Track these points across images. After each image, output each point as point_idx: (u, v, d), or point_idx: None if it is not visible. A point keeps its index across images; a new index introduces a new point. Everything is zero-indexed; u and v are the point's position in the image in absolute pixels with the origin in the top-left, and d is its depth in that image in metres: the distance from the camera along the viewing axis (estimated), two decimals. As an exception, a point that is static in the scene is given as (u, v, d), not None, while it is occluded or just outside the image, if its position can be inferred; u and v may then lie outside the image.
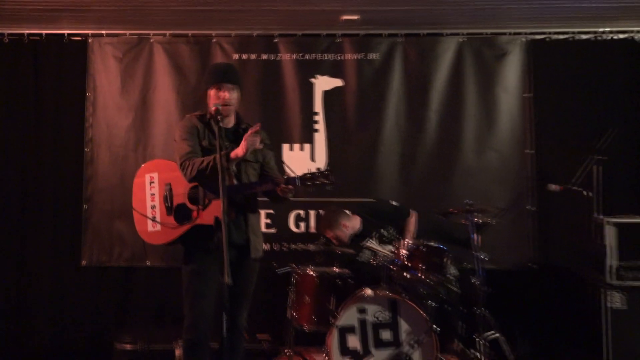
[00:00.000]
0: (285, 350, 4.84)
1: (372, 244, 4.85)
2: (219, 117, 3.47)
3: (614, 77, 5.82)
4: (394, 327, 4.47)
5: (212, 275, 3.62)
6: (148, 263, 5.66)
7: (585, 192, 5.15)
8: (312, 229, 5.71)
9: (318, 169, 3.58)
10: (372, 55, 5.85)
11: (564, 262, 5.59)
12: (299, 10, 5.36)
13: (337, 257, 4.90)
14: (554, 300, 5.54)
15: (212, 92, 3.74)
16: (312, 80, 5.84)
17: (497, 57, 5.84)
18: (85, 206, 5.74)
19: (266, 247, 5.55)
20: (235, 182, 3.70)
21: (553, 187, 5.24)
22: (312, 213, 5.74)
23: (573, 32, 5.82)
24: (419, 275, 4.59)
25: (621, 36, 5.82)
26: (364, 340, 4.47)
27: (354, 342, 4.47)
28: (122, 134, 5.79)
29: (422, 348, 4.41)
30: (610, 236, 4.86)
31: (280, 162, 3.99)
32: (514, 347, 4.82)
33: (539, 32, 5.84)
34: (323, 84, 5.84)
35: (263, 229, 5.48)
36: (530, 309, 5.54)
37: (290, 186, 3.59)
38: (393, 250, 4.79)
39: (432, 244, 4.70)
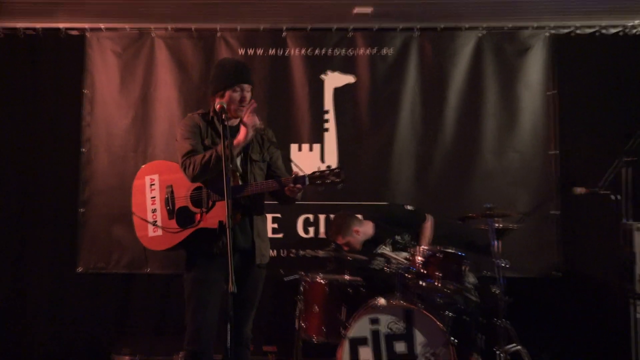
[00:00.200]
0: (293, 363, 4.83)
1: (386, 250, 4.84)
2: (223, 116, 3.45)
3: (644, 73, 5.80)
4: (408, 338, 4.45)
5: (216, 283, 3.63)
6: (148, 270, 5.66)
7: (613, 196, 5.09)
8: (322, 234, 5.71)
9: (328, 167, 3.56)
10: (386, 51, 5.85)
11: (590, 270, 5.58)
12: (308, 2, 5.37)
13: (349, 264, 4.88)
14: (579, 310, 5.52)
15: (228, 94, 3.69)
16: (322, 76, 5.85)
17: (518, 53, 5.83)
18: (81, 210, 5.75)
19: (273, 253, 5.58)
20: (240, 182, 3.70)
21: (578, 190, 5.18)
22: (321, 217, 5.73)
23: (599, 26, 5.80)
24: (436, 283, 4.56)
25: (651, 30, 5.80)
26: (376, 353, 4.45)
27: (366, 354, 4.45)
28: (121, 134, 5.81)
29: (439, 361, 4.39)
30: (640, 243, 4.82)
31: (288, 162, 3.97)
32: (536, 361, 4.79)
33: (563, 25, 5.82)
34: (334, 80, 5.84)
35: (270, 234, 5.49)
36: (554, 319, 5.52)
37: (298, 185, 3.57)
38: (408, 257, 4.77)
39: (449, 250, 4.67)
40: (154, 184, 3.86)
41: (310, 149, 5.78)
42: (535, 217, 5.64)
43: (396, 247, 5.06)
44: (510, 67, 5.82)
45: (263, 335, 5.28)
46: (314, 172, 3.59)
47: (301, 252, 5.52)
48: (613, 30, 5.80)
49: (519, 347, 4.65)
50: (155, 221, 3.79)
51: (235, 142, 3.57)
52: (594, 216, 5.54)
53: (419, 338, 4.44)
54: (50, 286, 5.76)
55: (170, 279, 5.63)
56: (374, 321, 4.47)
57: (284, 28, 5.85)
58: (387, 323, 4.47)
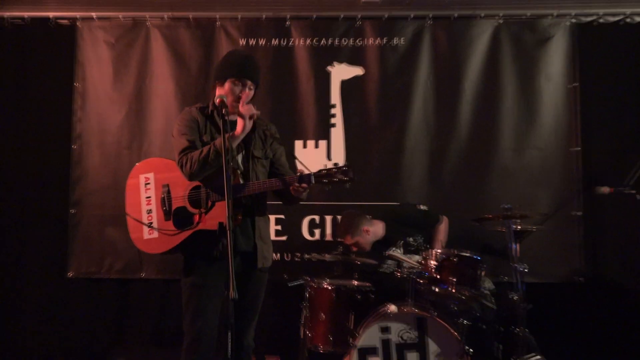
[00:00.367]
0: (298, 374, 4.83)
1: (397, 253, 4.82)
2: (224, 111, 3.44)
3: (673, 64, 5.77)
4: (421, 348, 4.43)
5: (215, 289, 3.63)
6: (143, 275, 5.66)
7: (638, 196, 5.09)
8: (328, 237, 5.71)
9: (336, 164, 3.56)
10: (397, 41, 5.84)
11: (614, 275, 5.57)
12: (314, -11, 5.37)
13: (357, 269, 4.87)
14: (603, 318, 5.50)
15: (227, 85, 3.72)
16: (329, 68, 5.84)
17: (538, 43, 5.82)
18: (72, 211, 5.75)
19: (276, 256, 5.56)
20: (241, 181, 3.69)
21: (602, 189, 5.17)
22: (328, 219, 5.72)
23: (624, 14, 5.78)
24: (450, 289, 4.54)
25: (681, 18, 5.77)
26: (387, 363, 4.45)
27: (375, 365, 4.45)
28: (114, 130, 5.81)
29: (453, 372, 4.37)
30: (669, 246, 4.82)
31: (292, 159, 3.97)
32: (557, 372, 4.79)
33: (586, 13, 5.80)
34: (341, 72, 5.83)
35: (273, 236, 5.46)
36: (576, 328, 5.50)
37: (304, 184, 3.56)
38: (420, 260, 4.76)
39: (465, 254, 4.65)
40: (149, 183, 3.85)
41: (316, 146, 5.78)
42: (556, 218, 5.61)
43: (408, 250, 5.05)
44: (529, 58, 5.80)
45: (266, 345, 5.29)
46: (320, 171, 3.58)
47: (306, 256, 5.45)
48: (639, 19, 5.77)
49: (538, 357, 4.63)
50: (151, 223, 3.79)
51: (233, 133, 3.58)
52: (618, 217, 5.53)
53: (433, 347, 4.42)
54: (39, 292, 5.75)
55: (167, 284, 5.62)
56: (385, 329, 4.45)
57: (288, 17, 5.84)
58: (398, 331, 4.45)
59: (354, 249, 5.18)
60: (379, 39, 5.85)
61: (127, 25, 5.88)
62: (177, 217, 3.73)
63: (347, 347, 4.47)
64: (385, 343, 4.44)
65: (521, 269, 4.67)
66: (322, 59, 5.83)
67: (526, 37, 5.82)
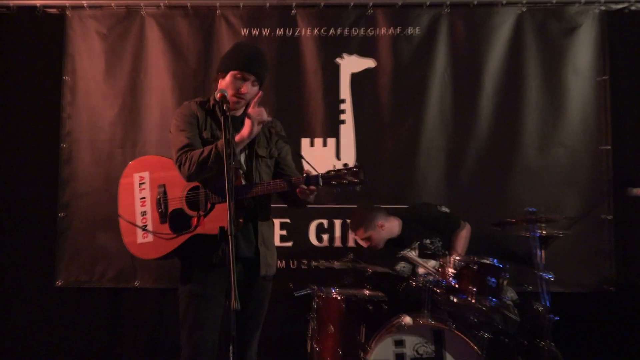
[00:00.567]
0: (304, 391, 4.83)
1: (411, 254, 4.80)
2: (225, 106, 3.42)
3: None
4: (438, 363, 4.43)
5: (215, 298, 3.61)
6: (137, 284, 5.66)
7: (675, 198, 5.09)
8: (337, 242, 5.70)
9: (345, 165, 3.55)
10: (411, 30, 5.84)
11: (648, 284, 5.53)
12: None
13: (369, 277, 4.85)
14: (636, 330, 5.47)
15: (228, 77, 3.71)
16: (338, 60, 5.83)
17: (565, 32, 5.80)
18: (61, 214, 5.75)
19: (281, 264, 5.57)
20: (243, 182, 3.67)
21: (635, 191, 5.18)
22: (337, 223, 5.72)
23: (659, 0, 5.77)
24: (470, 299, 4.52)
25: None
26: (401, 380, 4.44)
27: (389, 381, 4.44)
28: (106, 127, 5.81)
29: (474, 389, 4.36)
30: None
31: (298, 159, 3.95)
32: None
33: (617, 0, 5.78)
34: (351, 65, 5.83)
35: (277, 242, 5.48)
36: (606, 341, 5.48)
37: (311, 187, 3.54)
38: (436, 267, 4.75)
39: (485, 261, 4.62)
40: (143, 183, 3.84)
41: (324, 144, 5.77)
42: (585, 222, 5.59)
43: (424, 253, 5.04)
44: (555, 48, 5.79)
45: (270, 359, 5.25)
46: (328, 172, 3.55)
47: (314, 263, 5.49)
48: (675, 6, 5.77)
49: (565, 373, 4.62)
50: (145, 225, 3.78)
51: (237, 137, 3.55)
52: (652, 221, 5.50)
53: (451, 362, 4.41)
54: (25, 303, 5.75)
55: (162, 293, 5.62)
56: (399, 343, 4.43)
57: (294, 5, 5.85)
58: (413, 345, 4.43)
59: (366, 244, 5.20)
60: (392, 28, 5.84)
61: (120, 14, 5.89)
62: (174, 219, 3.72)
63: (357, 363, 4.46)
64: (400, 358, 4.42)
65: (547, 278, 4.66)
66: (331, 50, 5.83)
67: (551, 27, 5.80)
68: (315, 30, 5.85)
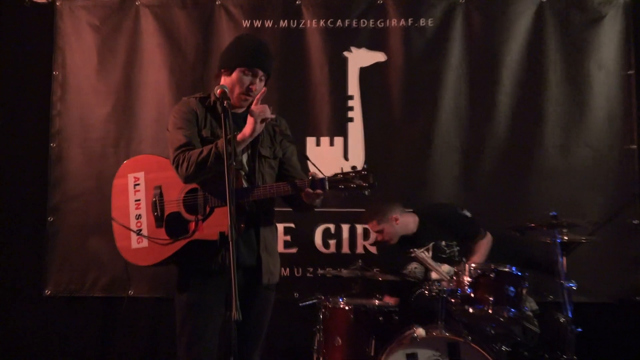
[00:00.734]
0: (310, 408, 4.83)
1: (424, 255, 4.79)
2: (225, 103, 3.40)
3: None
4: (453, 378, 4.43)
5: (215, 308, 3.58)
6: (131, 292, 5.65)
7: None
8: (345, 249, 5.69)
9: (353, 167, 3.54)
10: (424, 22, 5.84)
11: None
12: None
13: (379, 286, 4.84)
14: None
15: (235, 75, 3.69)
16: (346, 54, 5.83)
17: (589, 23, 5.79)
18: (50, 218, 5.76)
19: (285, 271, 5.56)
20: (245, 184, 3.66)
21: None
22: (345, 228, 5.71)
23: (691, -13, 5.76)
24: (487, 309, 4.51)
25: None
26: (414, 396, 4.44)
27: (401, 397, 4.44)
28: (98, 125, 5.82)
29: (491, 406, 4.36)
30: None
31: (303, 159, 3.94)
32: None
33: (646, -13, 5.78)
34: (359, 59, 5.82)
35: (281, 248, 5.49)
36: (633, 354, 5.44)
37: (318, 190, 3.52)
38: (450, 273, 4.75)
39: (503, 269, 4.61)
40: (138, 184, 3.83)
41: (331, 144, 5.78)
42: (611, 227, 5.56)
43: (438, 256, 5.04)
44: (578, 41, 5.78)
45: (273, 373, 5.27)
46: (335, 175, 3.54)
47: (320, 271, 5.44)
48: None
49: (589, 388, 4.62)
50: (140, 230, 3.77)
51: (239, 136, 3.53)
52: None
53: (467, 377, 4.40)
54: (12, 313, 5.76)
55: (158, 303, 5.64)
56: (411, 357, 4.43)
57: (298, -6, 5.87)
58: (426, 359, 4.42)
59: (379, 238, 5.22)
60: (403, 20, 5.84)
61: (113, 5, 5.90)
62: (171, 224, 3.70)
63: (367, 377, 4.47)
64: (412, 372, 4.43)
65: (569, 287, 4.64)
66: (338, 43, 5.83)
67: (574, 18, 5.79)
68: (322, 22, 5.85)
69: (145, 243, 3.74)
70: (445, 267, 4.85)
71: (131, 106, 5.83)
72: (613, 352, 5.36)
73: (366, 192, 3.54)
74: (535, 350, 4.78)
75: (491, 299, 4.51)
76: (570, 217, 4.78)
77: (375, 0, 5.83)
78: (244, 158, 3.71)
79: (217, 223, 3.55)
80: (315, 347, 4.73)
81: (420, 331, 4.41)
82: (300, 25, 5.85)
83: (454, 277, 4.67)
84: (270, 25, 5.85)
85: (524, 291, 4.60)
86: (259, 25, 5.85)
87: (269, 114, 3.53)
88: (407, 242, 5.14)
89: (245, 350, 3.65)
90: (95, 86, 5.85)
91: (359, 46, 5.82)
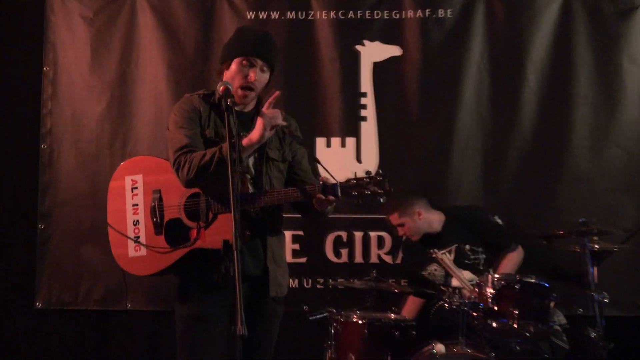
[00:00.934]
0: None
1: (446, 257, 4.78)
2: (229, 101, 3.39)
3: None
4: (475, 398, 4.42)
5: (218, 322, 3.59)
6: (128, 305, 5.61)
7: None
8: (358, 258, 5.69)
9: (368, 172, 3.54)
10: (442, 13, 5.84)
11: None
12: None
13: (395, 297, 4.84)
14: None
15: (233, 66, 3.70)
16: (358, 48, 5.84)
17: (621, 15, 5.80)
18: (40, 225, 5.77)
19: (293, 283, 5.54)
20: (251, 188, 3.66)
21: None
22: (357, 236, 5.71)
23: None
24: (511, 324, 4.49)
25: None
26: (433, 417, 4.43)
27: (419, 418, 4.43)
28: (92, 124, 5.83)
29: None
30: None
31: (313, 162, 3.94)
32: None
33: (683, -26, 5.77)
34: (373, 53, 5.83)
35: (289, 258, 5.46)
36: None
37: (330, 197, 3.51)
38: (472, 281, 4.74)
39: (529, 280, 4.60)
40: (136, 187, 3.82)
41: (342, 145, 5.78)
42: (647, 235, 5.56)
43: (460, 260, 5.02)
44: (609, 33, 5.78)
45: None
46: (348, 180, 3.53)
47: (331, 282, 5.49)
48: None
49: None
50: (138, 237, 3.76)
51: (245, 141, 3.49)
52: None
53: (490, 397, 4.40)
54: (0, 327, 5.75)
55: (157, 317, 5.64)
56: (430, 374, 4.44)
57: (307, -17, 5.87)
58: (446, 377, 4.43)
59: (400, 233, 5.24)
60: (420, 10, 5.85)
61: (108, -4, 5.91)
62: (171, 231, 3.69)
63: (382, 397, 4.46)
64: (431, 391, 4.43)
65: (600, 299, 4.61)
66: (350, 36, 5.83)
67: (605, 8, 5.79)
68: (332, 13, 5.85)
69: (143, 251, 3.73)
70: (467, 275, 4.84)
71: (127, 104, 5.83)
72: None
73: (381, 200, 3.52)
74: (564, 368, 4.77)
75: (516, 312, 4.49)
76: (601, 223, 4.74)
77: (391, -10, 5.84)
78: (250, 161, 3.69)
79: (221, 230, 3.54)
80: (326, 364, 4.74)
81: (439, 347, 4.41)
82: (309, 17, 5.86)
83: (476, 289, 4.65)
84: (276, 17, 5.86)
85: (552, 304, 4.57)
86: (265, 17, 5.85)
87: (280, 120, 3.51)
88: (431, 241, 5.14)
89: (252, 367, 3.65)
90: (89, 83, 5.85)
91: (372, 39, 5.83)
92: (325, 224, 5.61)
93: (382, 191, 3.48)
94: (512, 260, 5.15)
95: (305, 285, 5.67)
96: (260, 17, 5.84)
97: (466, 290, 4.65)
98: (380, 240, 5.68)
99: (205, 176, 3.49)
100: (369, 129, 5.77)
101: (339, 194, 3.48)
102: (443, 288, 4.80)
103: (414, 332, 4.67)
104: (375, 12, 5.83)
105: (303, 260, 5.69)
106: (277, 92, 3.57)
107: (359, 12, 5.83)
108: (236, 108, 3.45)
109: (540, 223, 5.35)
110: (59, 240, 5.74)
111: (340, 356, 4.65)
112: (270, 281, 3.69)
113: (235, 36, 3.84)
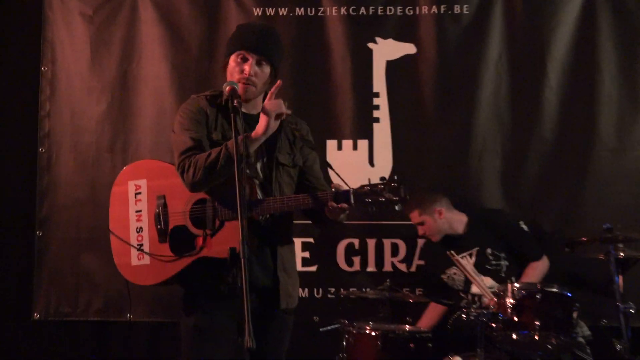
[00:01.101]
0: None
1: (465, 261, 4.78)
2: (236, 102, 3.39)
3: None
4: (495, 414, 4.42)
5: (225, 334, 3.59)
6: (130, 316, 5.59)
7: None
8: (371, 266, 5.68)
9: (382, 178, 3.52)
10: (459, 8, 5.84)
11: None
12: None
13: (410, 308, 4.83)
14: None
15: (230, 62, 3.71)
16: (371, 45, 5.84)
17: (648, 10, 5.76)
18: (38, 232, 5.78)
19: (303, 293, 5.56)
20: (260, 194, 3.65)
21: None
22: (370, 243, 5.71)
23: None
24: (533, 336, 4.49)
25: None
26: None
27: None
28: (92, 127, 5.84)
29: None
30: None
31: (325, 166, 3.94)
32: None
33: None
34: (386, 51, 5.83)
35: (299, 266, 5.35)
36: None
37: (343, 204, 3.51)
38: (492, 288, 4.73)
39: (551, 289, 4.61)
40: (140, 193, 3.82)
41: (354, 147, 5.79)
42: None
43: (481, 265, 5.03)
44: (635, 29, 5.76)
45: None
46: (362, 187, 3.53)
47: (343, 292, 5.47)
48: None
49: None
50: (141, 245, 3.76)
51: (252, 134, 3.49)
52: None
53: (511, 413, 4.39)
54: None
55: (159, 328, 5.65)
56: (447, 389, 4.44)
57: (317, -22, 5.88)
58: (465, 391, 4.43)
59: (420, 232, 5.27)
60: (435, 6, 5.84)
61: (108, -8, 5.93)
62: (175, 238, 3.69)
63: (397, 413, 4.47)
64: (448, 407, 4.44)
65: (626, 310, 4.60)
66: (362, 33, 5.84)
67: (629, 3, 5.78)
68: (343, 9, 5.85)
69: (146, 260, 3.73)
70: (488, 281, 4.83)
71: (129, 105, 5.85)
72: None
73: (397, 207, 3.53)
74: (589, 383, 4.77)
75: (537, 323, 4.49)
76: (626, 230, 4.74)
77: (404, -15, 5.84)
78: (259, 165, 3.68)
79: (228, 238, 3.53)
80: (338, 378, 4.74)
81: (457, 360, 4.43)
82: (319, 13, 5.86)
83: (495, 299, 4.65)
84: (284, 14, 5.86)
85: (575, 315, 4.58)
86: (272, 14, 5.86)
87: (284, 108, 3.50)
88: (452, 244, 5.14)
89: (261, 382, 3.66)
90: (89, 83, 5.87)
91: (385, 37, 5.83)
92: (337, 230, 5.60)
93: (397, 198, 3.48)
94: (536, 270, 5.15)
95: (315, 295, 5.66)
96: (268, 13, 5.84)
97: (486, 297, 4.64)
98: (395, 248, 5.68)
99: (213, 176, 3.48)
100: (382, 131, 5.77)
101: (352, 202, 3.47)
102: (462, 295, 4.80)
103: (430, 345, 4.68)
104: (389, 8, 5.83)
105: (313, 268, 5.70)
106: (279, 82, 3.55)
107: (371, 8, 5.82)
108: (243, 110, 3.45)
109: (562, 229, 5.36)
110: (57, 248, 5.75)
111: (353, 370, 4.66)
112: (281, 292, 3.68)
113: (234, 32, 3.85)
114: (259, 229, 3.61)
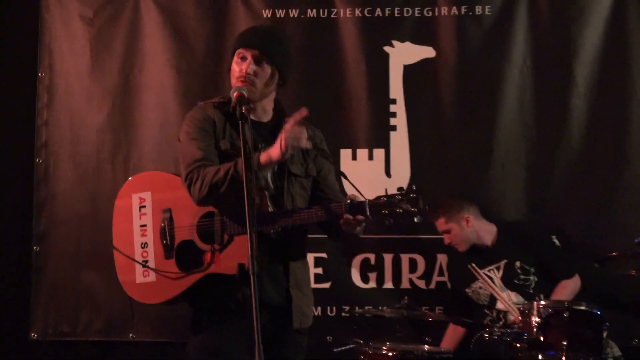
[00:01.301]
0: None
1: (493, 275, 4.79)
2: (244, 109, 3.40)
3: None
4: None
5: (235, 355, 3.57)
6: (132, 336, 5.66)
7: None
8: (388, 283, 5.69)
9: (400, 189, 3.52)
10: (480, 9, 5.85)
11: None
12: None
13: (429, 327, 4.84)
14: None
15: (232, 64, 3.72)
16: (387, 49, 5.86)
17: (681, 9, 5.77)
18: (36, 248, 5.80)
19: (316, 311, 5.51)
20: (270, 207, 3.66)
21: None
22: (387, 258, 5.72)
23: None
24: (560, 356, 4.47)
25: None
26: None
27: None
28: (92, 136, 5.87)
29: None
30: None
31: (340, 176, 3.94)
32: None
33: None
34: (403, 55, 5.85)
35: (312, 283, 5.41)
36: None
37: (359, 217, 3.50)
38: (519, 304, 4.72)
39: (580, 307, 4.61)
40: (144, 206, 3.83)
41: (370, 157, 5.80)
42: None
43: (509, 279, 5.02)
44: (669, 30, 5.76)
45: None
46: (378, 198, 3.53)
47: (358, 310, 5.47)
48: None
49: None
50: (147, 261, 3.77)
51: (263, 158, 3.47)
52: None
53: None
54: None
55: (164, 348, 5.64)
56: (469, 413, 4.44)
57: (330, -22, 5.89)
58: (487, 415, 4.43)
59: (446, 241, 5.27)
60: (455, 7, 5.86)
61: (109, -7, 5.95)
62: (182, 254, 3.70)
63: None
64: None
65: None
66: (378, 36, 5.85)
67: (662, 2, 5.78)
68: (357, 11, 5.87)
69: (152, 277, 3.74)
70: (514, 298, 4.84)
71: (131, 113, 5.87)
72: None
73: (416, 219, 3.53)
74: (619, 406, 4.76)
75: (564, 343, 4.47)
76: (660, 244, 4.75)
77: (422, -15, 5.85)
78: (269, 175, 3.65)
79: (237, 254, 3.52)
80: (353, 402, 4.75)
81: (480, 383, 4.44)
82: (332, 15, 5.88)
83: (519, 317, 4.66)
84: (295, 16, 5.89)
85: (605, 334, 4.57)
86: (282, 15, 5.88)
87: (304, 142, 3.45)
88: (479, 255, 5.17)
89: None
90: (89, 90, 5.90)
91: (402, 40, 5.85)
92: (351, 245, 5.61)
93: (415, 209, 3.47)
94: (567, 289, 5.13)
95: (329, 313, 5.67)
96: (278, 15, 5.86)
97: (512, 314, 4.65)
98: (413, 264, 5.68)
99: (216, 195, 3.48)
100: (400, 140, 5.78)
101: (368, 213, 3.46)
102: (486, 312, 4.80)
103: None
104: (406, 9, 5.84)
105: (327, 285, 5.70)
106: (305, 112, 3.46)
107: (387, 9, 5.84)
108: (253, 117, 3.46)
109: (592, 244, 5.35)
110: (56, 264, 5.76)
111: (368, 393, 4.66)
112: (294, 311, 3.67)
113: (238, 34, 3.90)
114: (270, 243, 3.59)
